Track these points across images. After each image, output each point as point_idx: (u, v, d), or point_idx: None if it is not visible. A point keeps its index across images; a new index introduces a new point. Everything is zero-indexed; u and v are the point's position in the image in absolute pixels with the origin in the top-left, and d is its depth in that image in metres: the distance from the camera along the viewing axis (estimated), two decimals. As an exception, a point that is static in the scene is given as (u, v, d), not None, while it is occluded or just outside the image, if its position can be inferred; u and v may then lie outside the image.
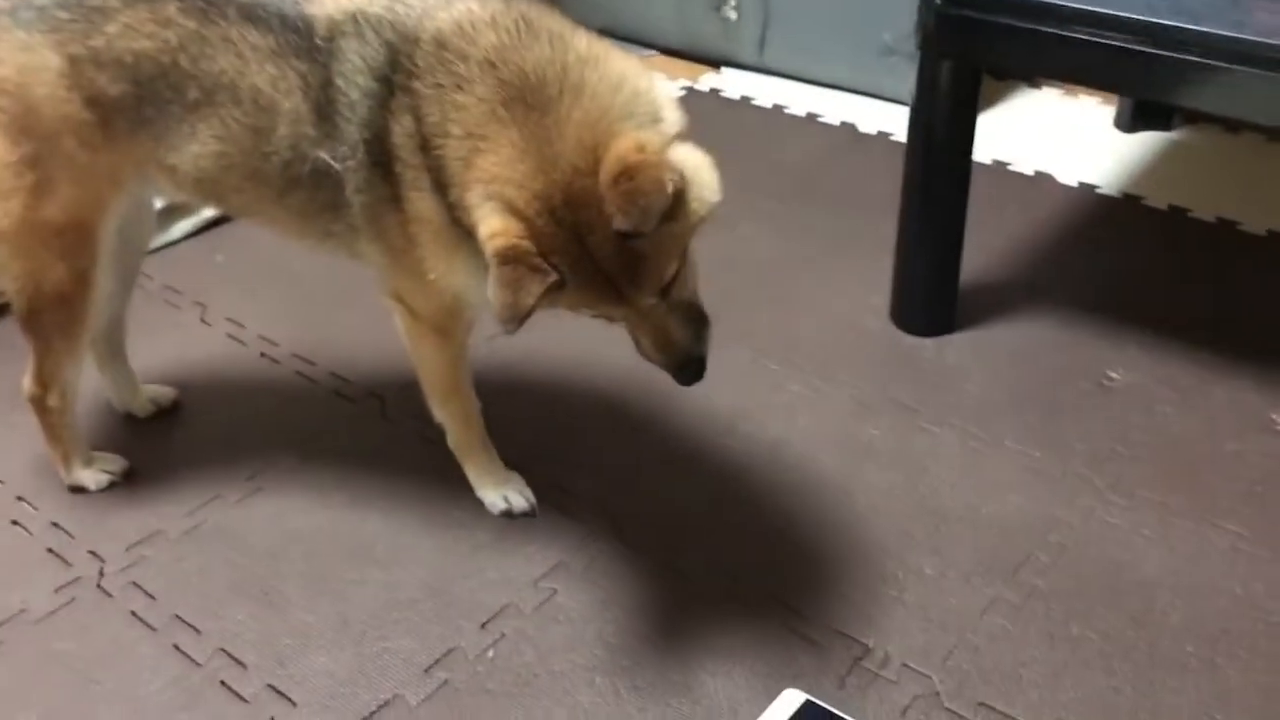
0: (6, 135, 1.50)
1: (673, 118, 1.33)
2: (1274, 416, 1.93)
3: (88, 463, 1.80)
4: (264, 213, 1.59)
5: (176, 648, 1.54)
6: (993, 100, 3.22)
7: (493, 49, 1.32)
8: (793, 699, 1.41)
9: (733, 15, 3.35)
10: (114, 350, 1.91)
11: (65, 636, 1.56)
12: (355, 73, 1.41)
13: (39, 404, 1.72)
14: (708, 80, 3.41)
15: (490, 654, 1.52)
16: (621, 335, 1.41)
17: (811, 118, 3.10)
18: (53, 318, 1.63)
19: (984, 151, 2.77)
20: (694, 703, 1.45)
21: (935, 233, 2.14)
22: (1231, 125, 3.02)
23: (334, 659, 1.52)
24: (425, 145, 1.36)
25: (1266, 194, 2.70)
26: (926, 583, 1.62)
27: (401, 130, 1.39)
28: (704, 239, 1.34)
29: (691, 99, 3.21)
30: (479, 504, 1.75)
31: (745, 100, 3.24)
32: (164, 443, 1.92)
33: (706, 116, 3.05)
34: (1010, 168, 2.83)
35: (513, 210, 1.26)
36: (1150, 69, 1.75)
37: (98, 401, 1.95)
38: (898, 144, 2.05)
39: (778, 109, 3.16)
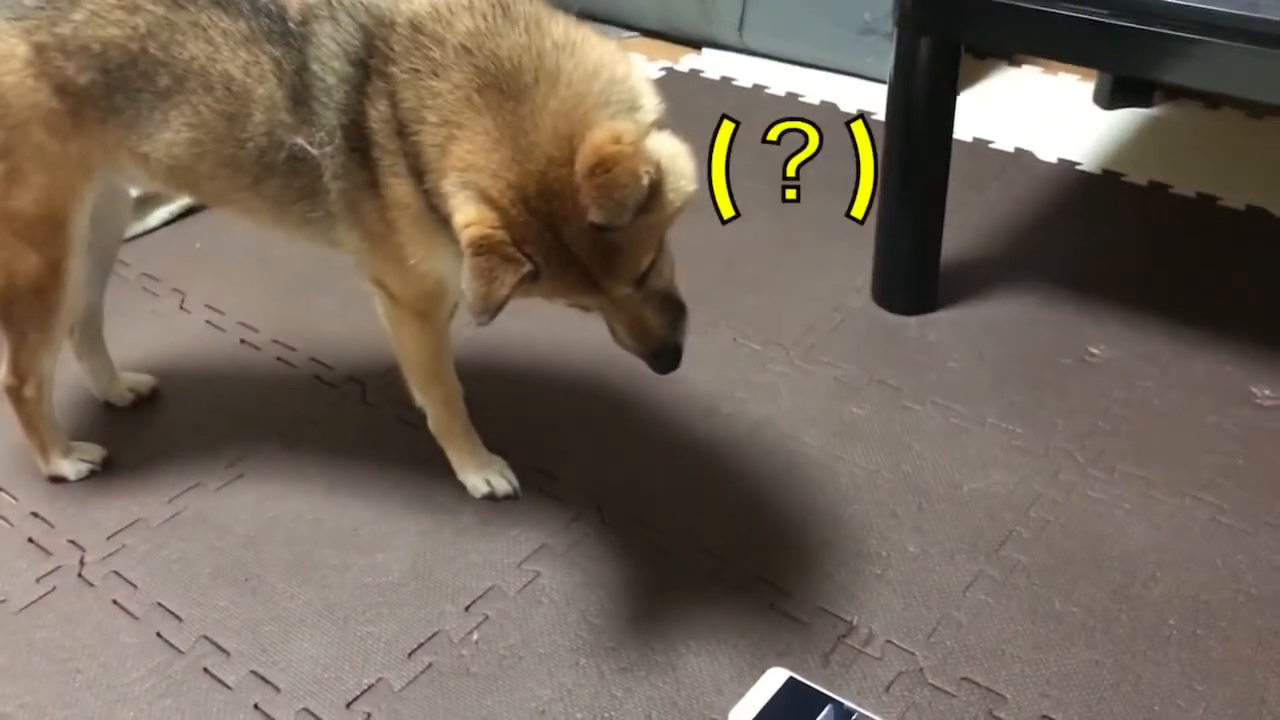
0: None
1: (650, 105, 1.32)
2: (1253, 389, 1.94)
3: (66, 452, 1.79)
4: (239, 201, 1.57)
5: (159, 635, 1.53)
6: (972, 78, 3.22)
7: (468, 34, 1.31)
8: (777, 677, 1.42)
9: (712, -5, 3.34)
10: (91, 339, 1.89)
11: (47, 626, 1.55)
12: (331, 57, 1.40)
13: (15, 395, 1.71)
14: (688, 61, 3.39)
15: (474, 637, 1.52)
16: (602, 320, 1.40)
17: (792, 97, 3.09)
18: (27, 309, 1.62)
19: (964, 129, 2.76)
20: (678, 682, 1.45)
21: (916, 211, 2.14)
22: (1211, 101, 3.02)
23: (317, 644, 1.51)
24: (402, 131, 1.35)
25: (1246, 169, 2.71)
26: (910, 560, 1.63)
27: (378, 115, 1.37)
28: (685, 221, 1.33)
29: (672, 80, 3.20)
30: (461, 488, 1.75)
31: (726, 81, 3.23)
32: (144, 431, 1.91)
33: (687, 97, 3.04)
34: (991, 145, 2.83)
35: (487, 199, 1.25)
36: (1130, 44, 1.75)
37: (76, 391, 1.94)
38: (878, 123, 2.05)
39: (758, 89, 3.15)
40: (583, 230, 1.24)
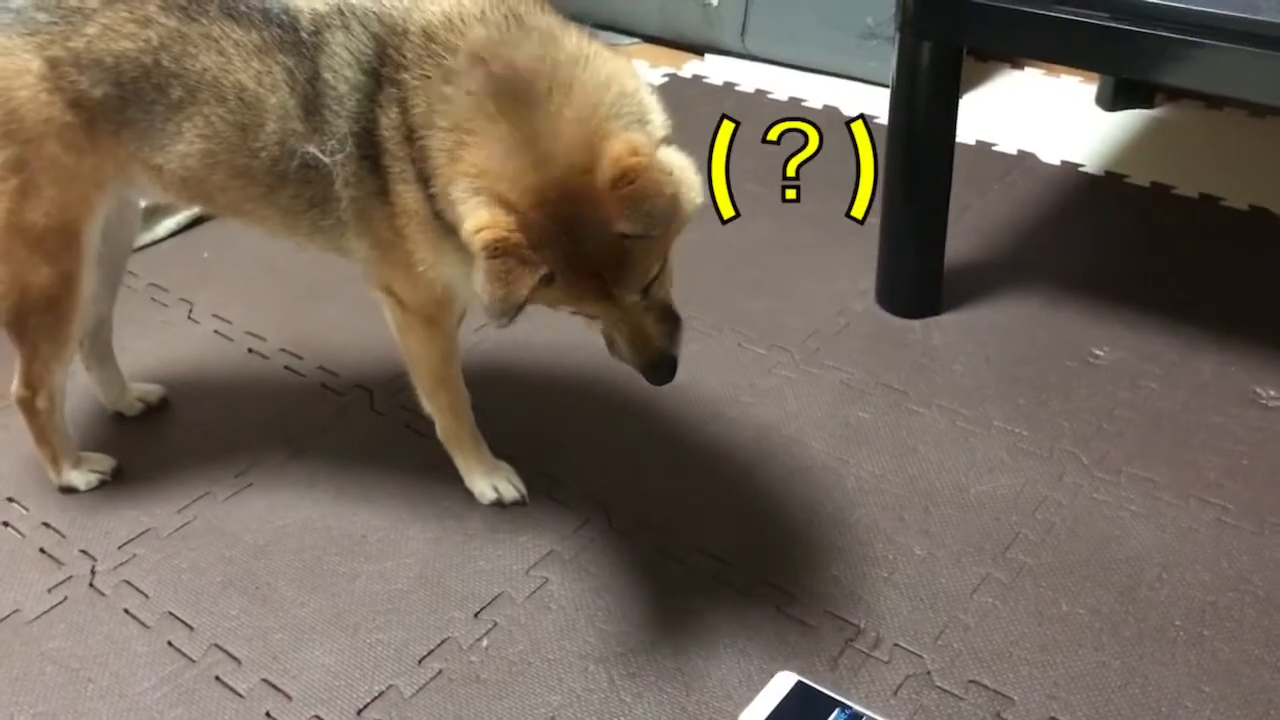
0: None
1: (659, 120, 1.34)
2: (1258, 390, 1.95)
3: (77, 463, 1.80)
4: (252, 212, 1.58)
5: (170, 644, 1.54)
6: (975, 81, 3.23)
7: (482, 43, 1.32)
8: (785, 681, 1.42)
9: (714, 1, 3.35)
10: (101, 350, 1.90)
11: (59, 636, 1.56)
12: (343, 66, 1.41)
13: (27, 406, 1.72)
14: (691, 67, 3.40)
15: (483, 643, 1.53)
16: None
17: (795, 102, 3.10)
18: (39, 321, 1.63)
19: (967, 132, 2.78)
20: (687, 687, 1.46)
21: (919, 214, 2.14)
22: (1213, 101, 3.03)
23: (328, 652, 1.52)
24: (411, 137, 1.36)
25: (1249, 169, 2.71)
26: (916, 563, 1.63)
27: (389, 123, 1.39)
28: (690, 226, 1.34)
29: (675, 86, 3.21)
30: (470, 494, 1.76)
31: (728, 86, 3.24)
32: (153, 441, 1.92)
33: (690, 103, 3.05)
34: (994, 148, 2.84)
35: (502, 203, 1.25)
36: (1131, 47, 1.75)
37: (86, 402, 1.95)
38: (881, 127, 2.05)
39: (761, 94, 3.16)
40: (600, 237, 1.25)
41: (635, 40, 3.57)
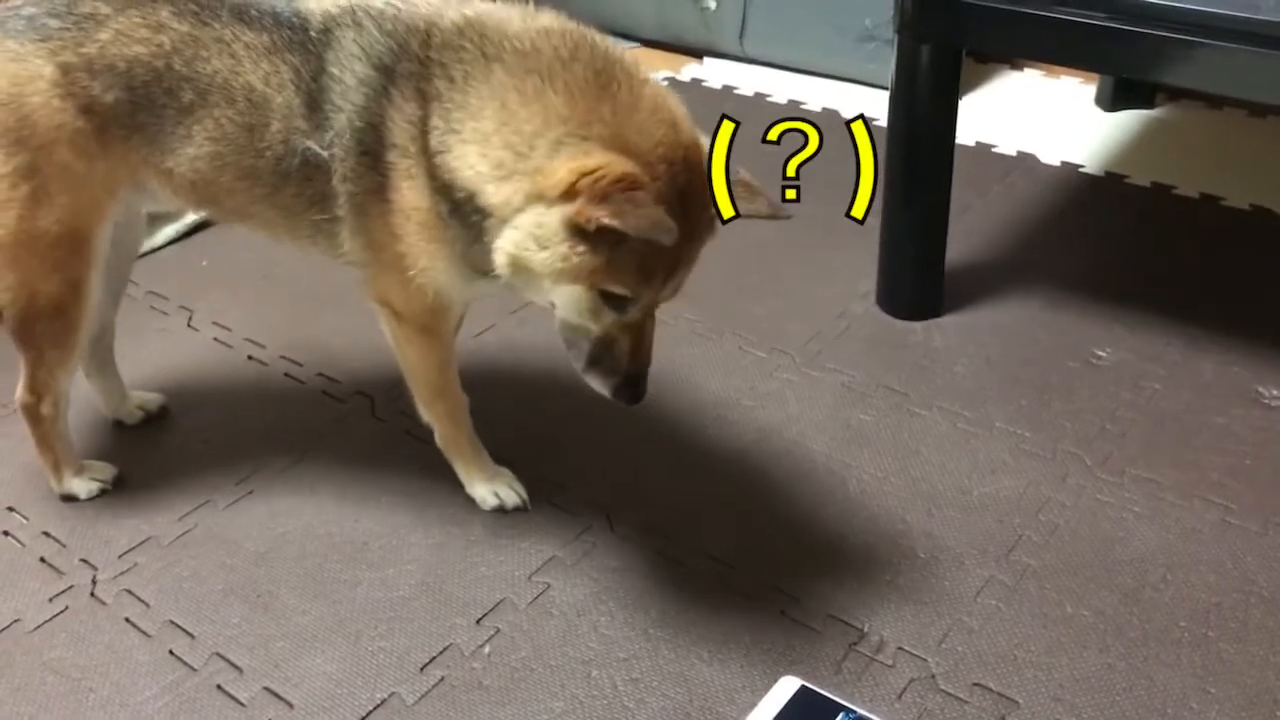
0: (0, 146, 1.49)
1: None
2: (1261, 389, 1.94)
3: (78, 471, 1.79)
4: (257, 214, 1.58)
5: (172, 653, 1.53)
6: (974, 82, 3.23)
7: (534, 32, 1.36)
8: (789, 685, 1.42)
9: (712, 4, 3.35)
10: (102, 357, 1.90)
11: (60, 645, 1.55)
12: (351, 59, 1.42)
13: (31, 412, 1.72)
14: (689, 70, 3.41)
15: (486, 650, 1.52)
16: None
17: (794, 105, 3.10)
18: (47, 327, 1.62)
19: (967, 133, 2.78)
20: (690, 692, 1.45)
21: (920, 216, 2.14)
22: (1213, 101, 3.03)
23: (330, 659, 1.52)
24: (426, 130, 1.37)
25: (1249, 168, 2.71)
26: (920, 566, 1.63)
27: (401, 117, 1.39)
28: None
29: (673, 89, 3.20)
30: (471, 500, 1.75)
31: (728, 89, 3.24)
32: (153, 449, 1.91)
33: (690, 107, 3.04)
34: (993, 149, 2.84)
35: (624, 152, 1.27)
36: (1131, 47, 1.75)
37: (86, 409, 1.95)
38: (881, 129, 2.05)
39: (760, 97, 3.16)
40: (698, 222, 1.32)
41: (634, 44, 3.57)
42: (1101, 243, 2.46)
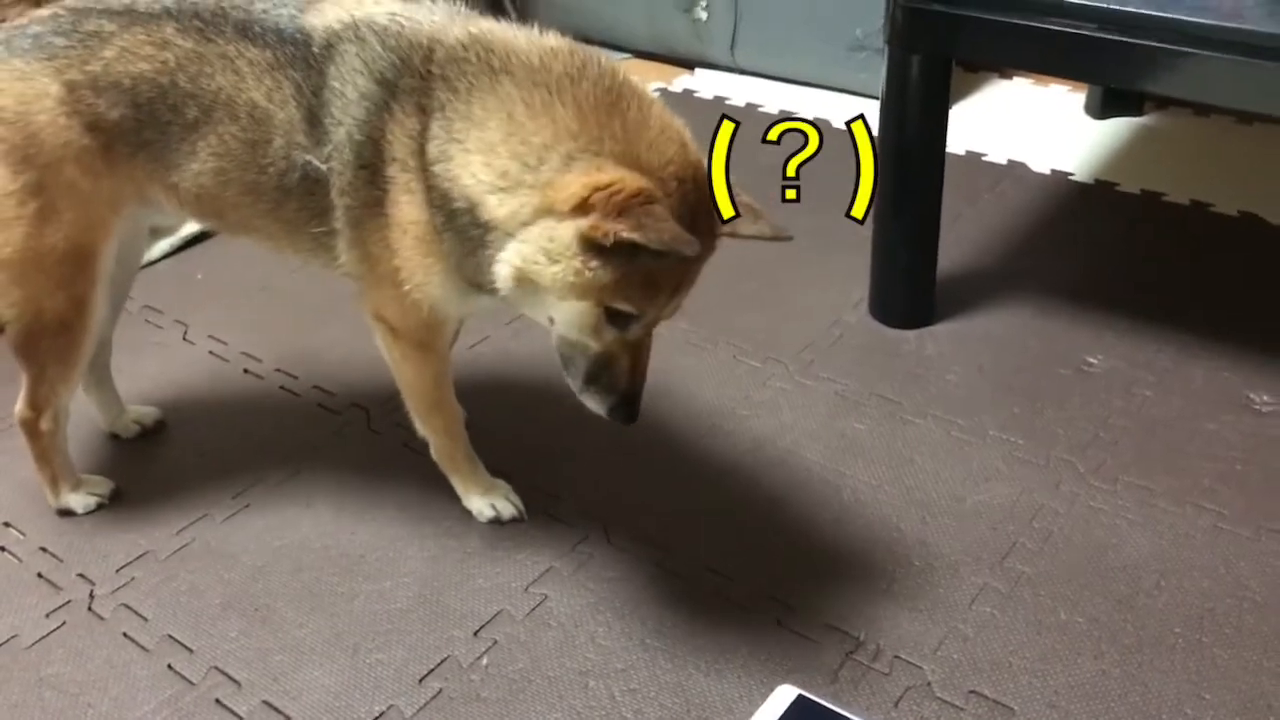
0: (7, 164, 1.50)
1: None
2: (1251, 395, 1.96)
3: (75, 486, 1.79)
4: (260, 228, 1.59)
5: (170, 668, 1.54)
6: (964, 91, 3.24)
7: (562, 62, 1.37)
8: (786, 695, 1.42)
9: (703, 16, 3.36)
10: (99, 372, 1.90)
11: (57, 661, 1.56)
12: (354, 74, 1.43)
13: (30, 428, 1.72)
14: (681, 81, 3.42)
15: (484, 662, 1.52)
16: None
17: (785, 115, 3.12)
18: (51, 343, 1.63)
19: (957, 142, 2.79)
20: (688, 702, 1.46)
21: (911, 225, 2.15)
22: (1201, 109, 3.05)
23: (328, 672, 1.52)
24: (425, 144, 1.38)
25: (1237, 175, 2.73)
26: (915, 574, 1.63)
27: (402, 131, 1.40)
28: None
29: (665, 101, 3.22)
30: (468, 512, 1.76)
31: (719, 100, 3.25)
32: (150, 463, 1.92)
33: (682, 117, 3.05)
34: (984, 158, 2.85)
35: (634, 168, 1.29)
36: (1119, 57, 1.77)
37: (83, 424, 1.95)
38: (871, 138, 2.06)
39: (751, 107, 3.18)
40: (707, 239, 1.33)
41: (626, 55, 3.58)
42: (1092, 250, 2.47)
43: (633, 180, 1.26)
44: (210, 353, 2.20)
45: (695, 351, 2.13)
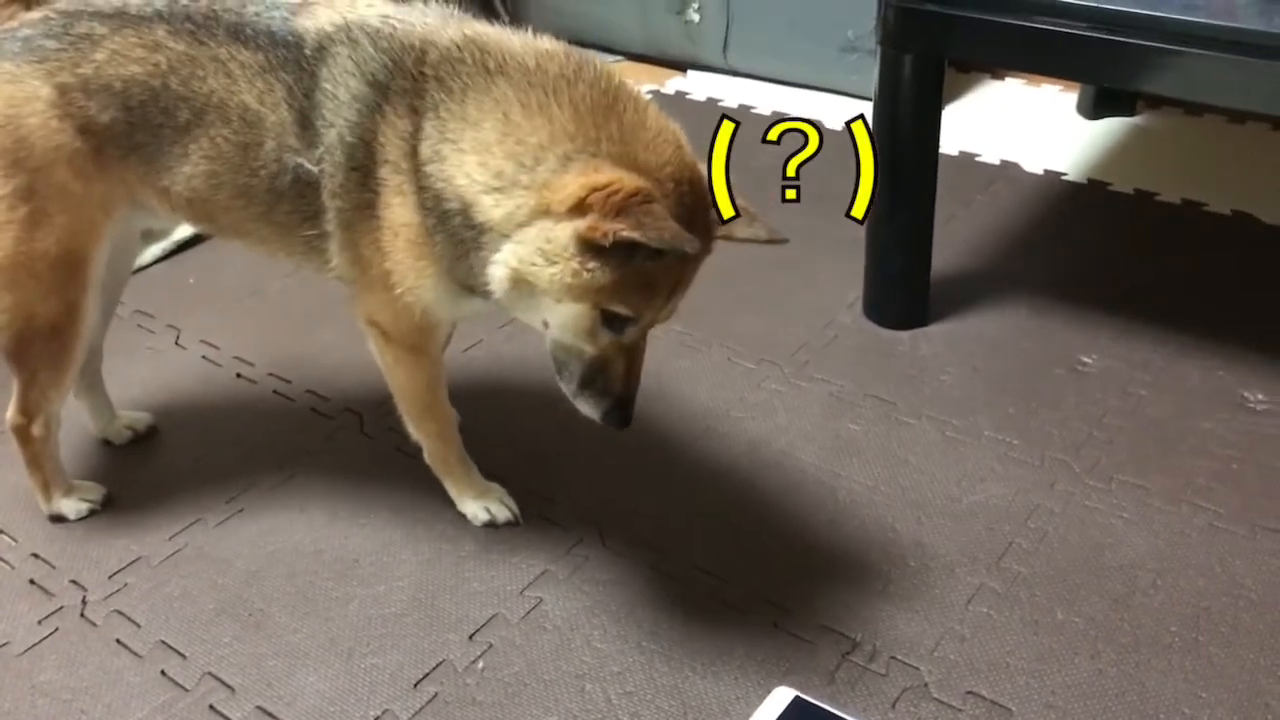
0: None
1: None
2: (1245, 394, 1.96)
3: (67, 492, 1.78)
4: (253, 231, 1.59)
5: (163, 674, 1.53)
6: (956, 92, 3.25)
7: (536, 51, 1.37)
8: (783, 696, 1.42)
9: (695, 18, 3.36)
10: (90, 377, 1.89)
11: (50, 668, 1.55)
12: (346, 75, 1.43)
13: (22, 433, 1.71)
14: (674, 84, 3.42)
15: (479, 665, 1.52)
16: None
17: (778, 116, 3.11)
18: (42, 349, 1.62)
19: (950, 143, 2.79)
20: (684, 705, 1.45)
21: (905, 226, 2.15)
22: (1193, 108, 3.05)
23: (322, 677, 1.51)
24: (417, 146, 1.37)
25: (1230, 174, 2.73)
26: (911, 574, 1.63)
27: (395, 133, 1.40)
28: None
29: (658, 103, 3.22)
30: (462, 515, 1.75)
31: (712, 102, 3.25)
32: (143, 468, 1.91)
33: (675, 119, 3.05)
34: (977, 158, 2.85)
35: (631, 169, 1.28)
36: (1111, 57, 1.77)
37: (75, 429, 1.94)
38: (873, 139, 2.06)
39: (744, 109, 3.18)
40: (705, 239, 1.33)
41: (618, 57, 3.58)
42: (1085, 250, 2.47)
43: (631, 180, 1.26)
44: (203, 357, 2.19)
45: (690, 354, 2.13)
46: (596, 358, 1.39)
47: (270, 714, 1.46)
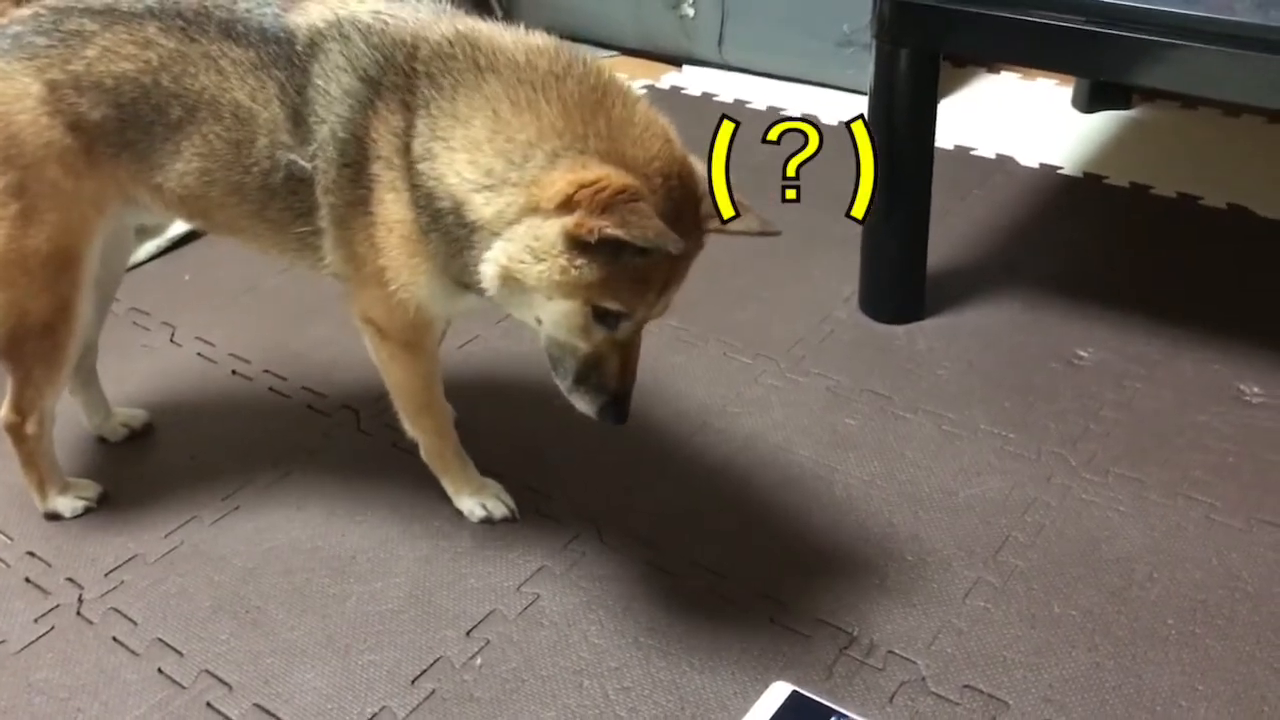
0: None
1: None
2: (1241, 387, 1.96)
3: (63, 490, 1.78)
4: (247, 228, 1.58)
5: (160, 671, 1.53)
6: (952, 86, 3.24)
7: (527, 47, 1.37)
8: (780, 691, 1.42)
9: (690, 12, 3.36)
10: (86, 375, 1.89)
11: (46, 666, 1.54)
12: (337, 71, 1.42)
13: (16, 432, 1.70)
14: (669, 79, 3.41)
15: (476, 662, 1.52)
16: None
17: (774, 111, 3.11)
18: (35, 347, 1.61)
19: (945, 137, 2.79)
20: (682, 700, 1.45)
21: (900, 220, 2.15)
22: (1189, 101, 3.05)
23: (319, 674, 1.51)
24: (410, 142, 1.37)
25: (1225, 168, 2.73)
26: (908, 568, 1.63)
27: (387, 129, 1.39)
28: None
29: (653, 98, 3.20)
30: (459, 512, 1.75)
31: (707, 97, 3.25)
32: (138, 466, 1.90)
33: (669, 115, 3.05)
34: (972, 152, 2.85)
35: (619, 165, 1.28)
36: (1107, 49, 1.77)
37: (70, 427, 1.93)
38: (873, 139, 2.06)
39: (739, 104, 3.17)
40: (695, 236, 1.32)
41: (613, 52, 3.57)
42: (1081, 244, 2.47)
43: (618, 177, 1.25)
44: (198, 354, 2.19)
45: (685, 349, 2.13)
46: (590, 354, 1.38)
47: (268, 711, 1.46)
